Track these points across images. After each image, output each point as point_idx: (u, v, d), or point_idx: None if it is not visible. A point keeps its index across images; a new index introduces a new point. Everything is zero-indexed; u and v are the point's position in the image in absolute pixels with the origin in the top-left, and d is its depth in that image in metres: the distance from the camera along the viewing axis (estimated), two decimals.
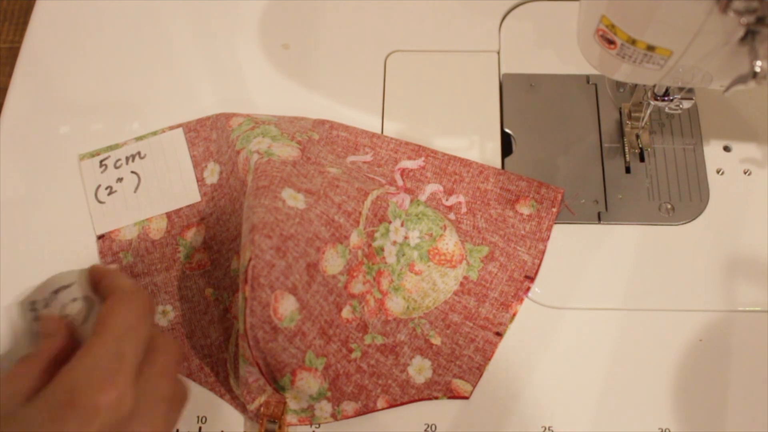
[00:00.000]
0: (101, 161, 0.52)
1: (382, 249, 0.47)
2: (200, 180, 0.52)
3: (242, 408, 0.45)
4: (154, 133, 0.53)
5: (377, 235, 0.47)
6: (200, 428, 0.45)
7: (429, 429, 0.44)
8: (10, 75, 0.57)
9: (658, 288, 0.47)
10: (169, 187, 0.52)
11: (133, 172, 0.52)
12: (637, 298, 0.47)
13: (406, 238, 0.48)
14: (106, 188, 0.51)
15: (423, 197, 0.50)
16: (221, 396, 0.45)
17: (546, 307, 0.47)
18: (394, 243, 0.48)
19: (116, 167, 0.52)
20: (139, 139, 0.53)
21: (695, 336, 0.46)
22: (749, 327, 0.46)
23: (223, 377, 0.46)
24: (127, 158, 0.52)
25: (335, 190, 0.46)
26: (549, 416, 0.44)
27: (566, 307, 0.47)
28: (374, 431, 0.44)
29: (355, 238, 0.45)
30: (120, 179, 0.52)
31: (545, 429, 0.44)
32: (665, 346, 0.45)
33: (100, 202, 0.51)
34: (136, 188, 0.51)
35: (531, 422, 0.44)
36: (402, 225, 0.48)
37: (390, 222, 0.48)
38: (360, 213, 0.46)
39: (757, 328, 0.46)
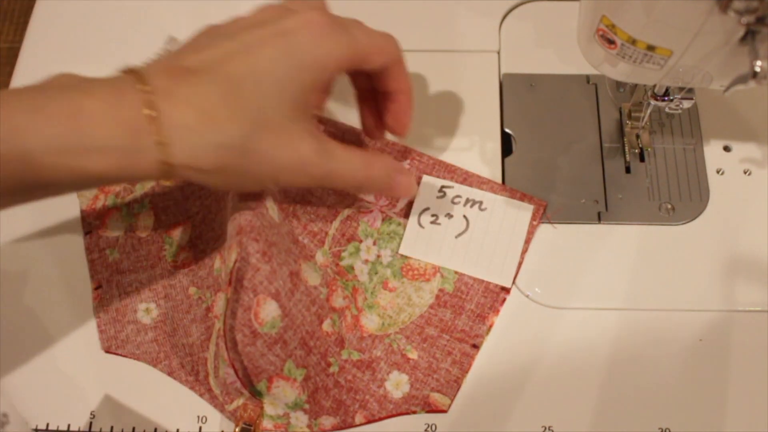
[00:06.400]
0: None
1: (352, 267, 0.47)
2: None
3: (221, 407, 0.45)
4: None
5: (344, 254, 0.47)
6: (200, 428, 0.45)
7: (429, 429, 0.44)
8: (10, 75, 0.57)
9: (658, 288, 0.47)
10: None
11: None
12: (637, 298, 0.47)
13: (378, 256, 0.48)
14: None
15: (401, 204, 0.50)
16: (200, 395, 0.45)
17: (546, 307, 0.47)
18: (366, 261, 0.48)
19: None
20: None
21: (695, 336, 0.46)
22: (749, 327, 0.46)
23: (203, 376, 0.46)
24: None
25: (304, 208, 0.46)
26: (549, 416, 0.44)
27: (566, 307, 0.47)
28: (374, 431, 0.44)
29: (320, 258, 0.46)
30: None
31: (545, 429, 0.44)
32: (665, 346, 0.45)
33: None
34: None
35: (531, 422, 0.44)
36: (374, 244, 0.48)
37: (360, 241, 0.48)
38: (326, 233, 0.46)
39: (757, 328, 0.46)
